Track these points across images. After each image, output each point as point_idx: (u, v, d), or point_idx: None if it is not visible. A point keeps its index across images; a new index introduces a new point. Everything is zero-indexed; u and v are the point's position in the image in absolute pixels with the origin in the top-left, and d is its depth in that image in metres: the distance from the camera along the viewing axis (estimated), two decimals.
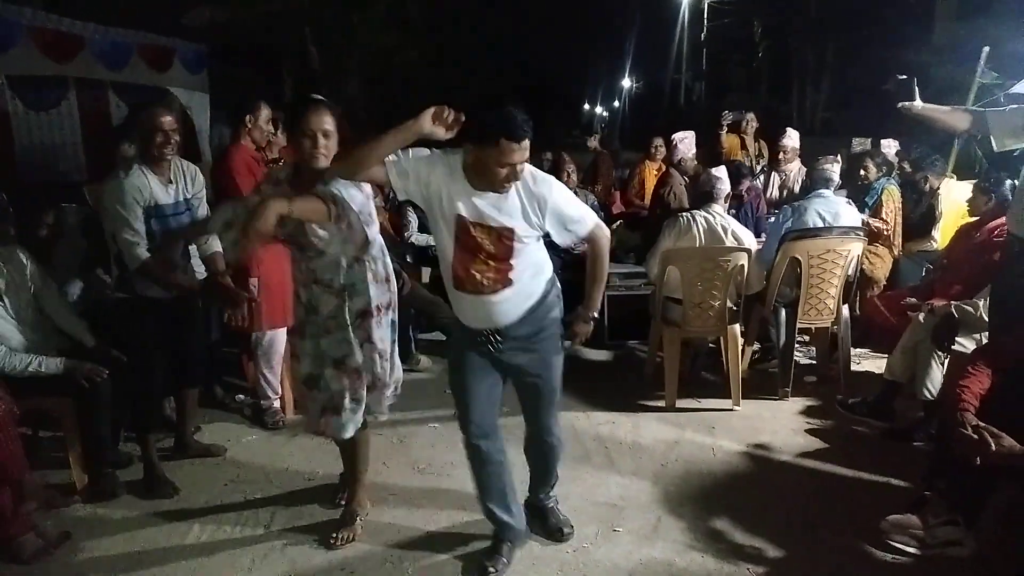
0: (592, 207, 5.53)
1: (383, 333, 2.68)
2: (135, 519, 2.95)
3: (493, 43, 15.50)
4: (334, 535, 2.77)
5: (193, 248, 3.33)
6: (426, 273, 5.61)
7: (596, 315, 2.56)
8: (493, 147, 2.14)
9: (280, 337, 3.75)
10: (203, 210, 3.28)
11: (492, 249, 2.28)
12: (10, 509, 2.65)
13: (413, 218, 5.96)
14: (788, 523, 2.85)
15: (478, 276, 2.30)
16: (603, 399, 4.09)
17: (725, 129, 6.83)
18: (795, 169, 5.98)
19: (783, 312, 4.14)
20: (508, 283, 2.32)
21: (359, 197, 2.49)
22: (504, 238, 2.27)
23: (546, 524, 2.79)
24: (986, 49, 5.72)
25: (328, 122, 2.52)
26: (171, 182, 3.13)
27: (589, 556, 2.66)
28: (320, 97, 2.65)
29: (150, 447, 3.23)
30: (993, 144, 3.02)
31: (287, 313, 3.70)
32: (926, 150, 5.76)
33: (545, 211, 2.28)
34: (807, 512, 2.94)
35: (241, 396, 4.13)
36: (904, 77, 3.09)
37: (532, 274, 2.38)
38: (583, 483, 3.20)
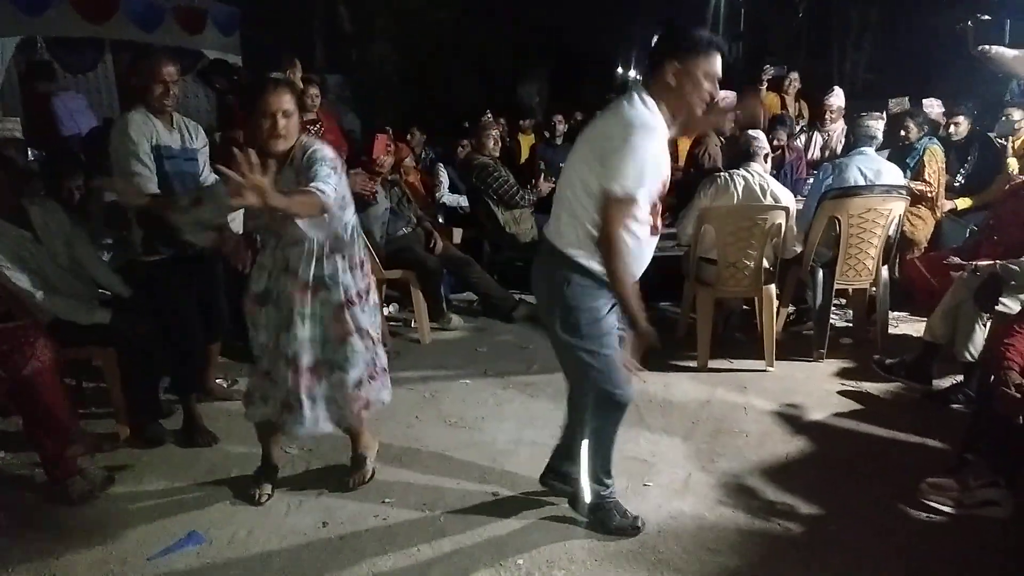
0: None
1: (369, 319, 2.68)
2: (176, 465, 3.04)
3: (525, 3, 15.24)
4: (349, 479, 2.83)
5: None
6: (457, 234, 5.62)
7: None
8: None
9: None
10: (206, 168, 3.29)
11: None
12: (58, 454, 2.75)
13: (444, 178, 5.96)
14: (820, 482, 2.83)
15: (655, 219, 2.30)
16: None
17: (765, 85, 6.68)
18: (839, 129, 5.84)
19: (820, 272, 4.06)
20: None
21: (335, 178, 2.43)
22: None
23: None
24: None
25: (287, 101, 2.45)
26: (175, 129, 3.14)
27: None
28: (279, 76, 2.63)
29: (192, 401, 3.31)
30: None
31: None
32: (983, 105, 5.61)
33: None
34: (840, 471, 2.92)
35: None
36: (987, 17, 2.97)
37: None
38: None
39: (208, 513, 2.69)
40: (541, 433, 3.26)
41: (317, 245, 2.52)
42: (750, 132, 4.12)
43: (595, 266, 2.22)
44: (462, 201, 5.86)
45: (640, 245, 2.27)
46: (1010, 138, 5.15)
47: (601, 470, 2.51)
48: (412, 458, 3.06)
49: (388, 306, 4.99)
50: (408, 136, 6.46)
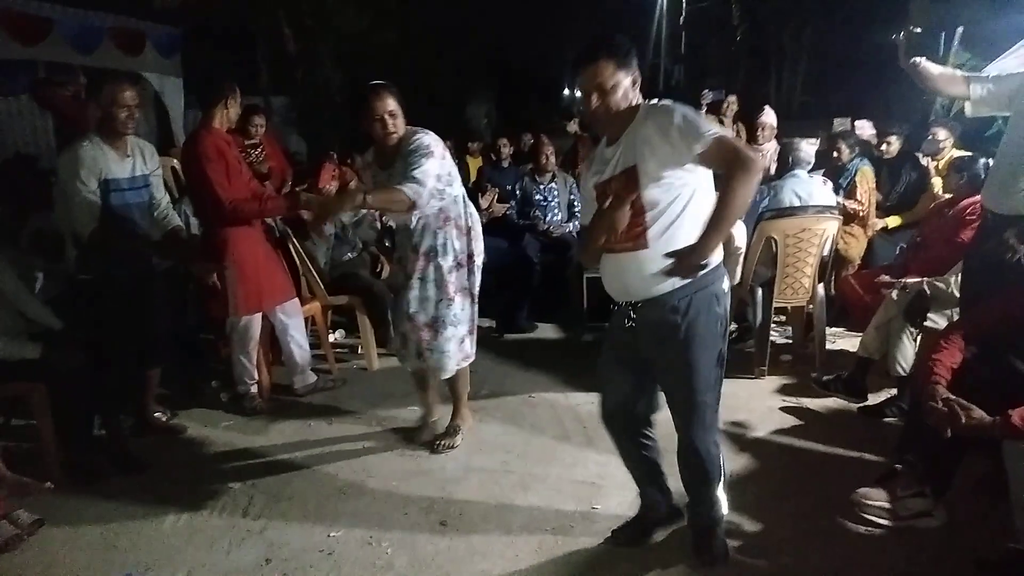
0: (571, 190, 5.55)
1: (475, 279, 3.14)
2: (110, 505, 2.93)
3: (471, 26, 15.39)
4: (437, 443, 3.27)
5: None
6: None
7: (703, 261, 2.05)
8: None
9: (256, 322, 3.72)
10: (160, 190, 3.35)
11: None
12: None
13: None
14: (764, 497, 2.89)
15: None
16: (583, 379, 4.09)
17: (704, 109, 6.85)
18: (772, 148, 5.99)
19: (759, 291, 4.17)
20: (643, 243, 2.09)
21: (435, 166, 2.82)
22: (630, 180, 2.07)
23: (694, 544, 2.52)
24: (960, 29, 5.76)
25: (391, 103, 2.84)
26: (128, 156, 3.17)
27: (568, 533, 2.67)
28: (382, 82, 2.91)
29: (118, 426, 3.25)
30: (967, 109, 3.06)
31: (263, 298, 3.70)
32: (911, 128, 5.82)
33: (669, 128, 2.01)
34: (782, 486, 2.98)
35: (216, 382, 4.09)
36: (919, 30, 3.05)
37: (673, 245, 2.07)
38: (562, 462, 3.22)
39: (146, 553, 2.60)
40: (491, 460, 3.26)
41: (432, 218, 2.96)
42: None
43: None
44: None
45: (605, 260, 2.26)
46: (934, 157, 5.36)
47: None
48: (358, 489, 3.01)
49: (334, 332, 4.92)
50: (349, 161, 6.41)
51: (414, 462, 3.25)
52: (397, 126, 2.85)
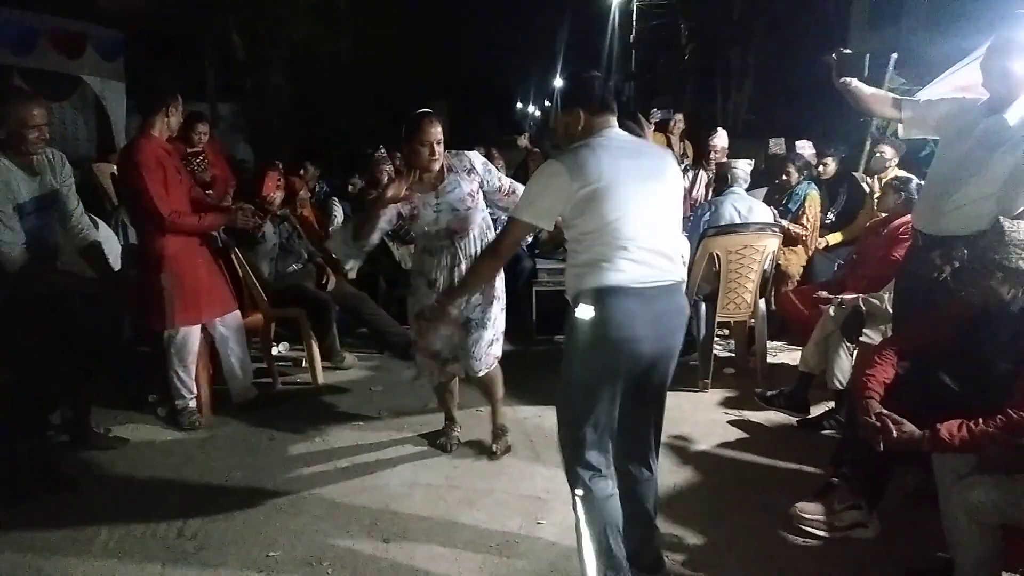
0: None
1: (502, 287, 3.24)
2: (36, 525, 2.79)
3: (424, 38, 15.39)
4: (494, 447, 3.35)
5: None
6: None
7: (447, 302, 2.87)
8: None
9: (194, 335, 3.62)
10: (72, 200, 3.20)
11: None
12: None
13: (339, 212, 5.85)
14: (706, 511, 2.92)
15: None
16: (530, 393, 4.10)
17: (652, 127, 6.96)
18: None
19: (703, 306, 4.25)
20: None
21: (467, 186, 3.11)
22: None
23: None
24: (894, 55, 5.97)
25: (439, 132, 3.02)
26: (37, 174, 3.00)
27: (512, 549, 2.66)
28: (429, 110, 3.08)
29: (46, 443, 3.13)
30: (900, 130, 3.17)
31: (201, 310, 3.60)
32: (848, 149, 6.01)
33: None
34: (724, 500, 3.03)
35: (154, 396, 3.96)
36: (849, 51, 3.13)
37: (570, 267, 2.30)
38: (509, 477, 3.21)
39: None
40: (436, 474, 3.23)
41: (479, 228, 3.17)
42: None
43: None
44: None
45: None
46: (879, 175, 5.51)
47: None
48: (299, 507, 2.95)
49: (277, 345, 4.82)
50: (301, 171, 6.31)
51: (358, 478, 3.19)
52: (440, 152, 3.04)
